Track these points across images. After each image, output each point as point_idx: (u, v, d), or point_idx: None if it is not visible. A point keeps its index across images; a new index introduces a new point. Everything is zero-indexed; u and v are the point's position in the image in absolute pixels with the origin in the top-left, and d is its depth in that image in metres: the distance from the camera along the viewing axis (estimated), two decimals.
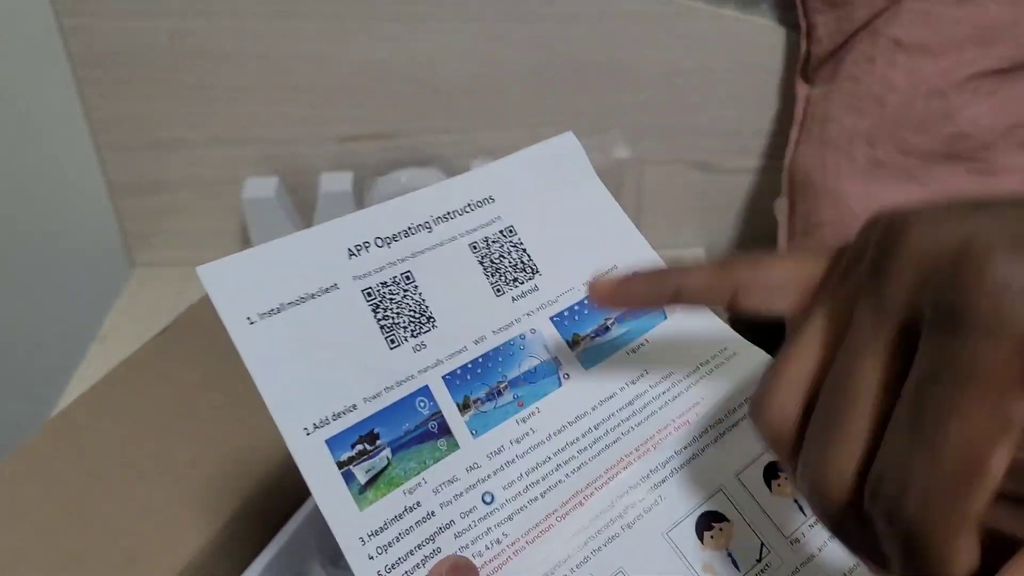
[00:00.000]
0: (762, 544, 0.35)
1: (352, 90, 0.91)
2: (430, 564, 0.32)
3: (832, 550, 0.35)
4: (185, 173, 0.94)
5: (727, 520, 0.35)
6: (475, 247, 0.38)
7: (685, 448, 0.36)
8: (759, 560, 0.34)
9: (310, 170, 0.94)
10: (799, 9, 0.85)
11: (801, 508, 0.35)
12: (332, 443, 0.32)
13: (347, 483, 0.32)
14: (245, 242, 0.98)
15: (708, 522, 0.35)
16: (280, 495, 0.61)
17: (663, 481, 0.35)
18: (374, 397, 0.34)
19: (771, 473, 0.36)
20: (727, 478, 0.36)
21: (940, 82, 0.76)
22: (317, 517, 0.61)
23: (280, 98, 0.90)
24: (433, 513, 0.33)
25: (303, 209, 0.96)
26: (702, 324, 0.40)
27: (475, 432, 0.35)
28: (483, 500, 0.34)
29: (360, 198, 0.93)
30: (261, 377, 0.33)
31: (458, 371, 0.35)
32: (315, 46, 0.88)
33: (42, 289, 1.03)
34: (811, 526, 0.35)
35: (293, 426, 0.32)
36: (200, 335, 0.65)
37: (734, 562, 0.34)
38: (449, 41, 0.88)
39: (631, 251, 0.41)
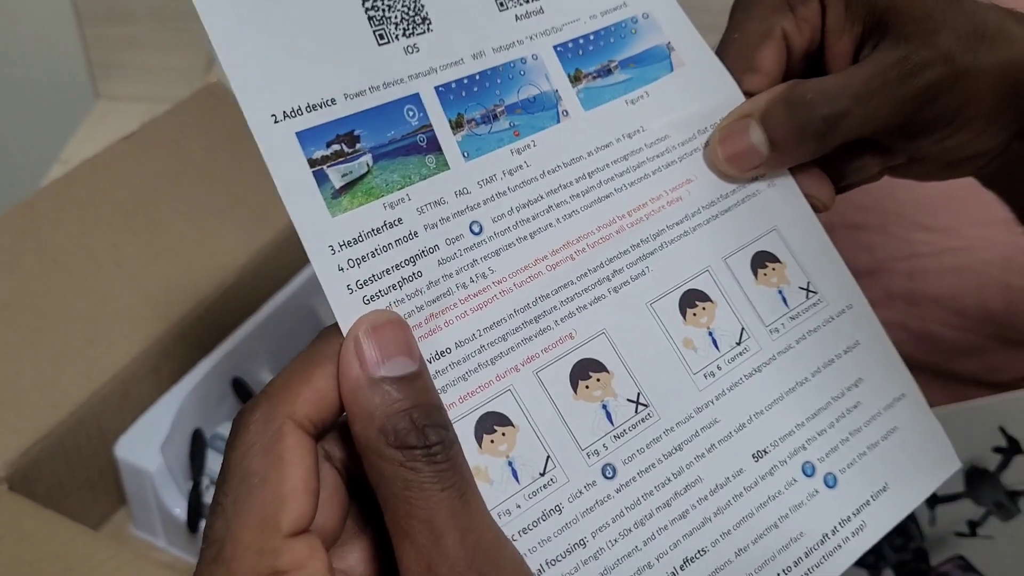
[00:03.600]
0: (742, 328, 0.35)
1: None
2: (408, 287, 0.29)
3: (810, 344, 0.35)
4: (153, 4, 0.94)
5: (711, 300, 0.35)
6: None
7: (676, 224, 0.35)
8: (739, 343, 0.34)
9: None
10: None
11: (784, 299, 0.36)
12: (304, 137, 0.29)
13: (318, 184, 0.29)
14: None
15: (692, 300, 0.34)
16: (234, 302, 0.63)
17: (651, 253, 0.35)
18: (356, 95, 0.30)
19: (758, 262, 0.36)
20: (714, 260, 0.35)
21: None
22: (267, 326, 0.63)
23: None
24: (416, 234, 0.31)
25: None
26: (710, 83, 0.37)
27: (467, 155, 0.32)
28: (471, 230, 0.32)
29: None
30: (225, 51, 0.28)
31: (452, 84, 0.33)
32: None
33: (5, 110, 1.03)
34: (792, 318, 0.36)
35: (259, 111, 0.29)
36: (165, 145, 0.67)
37: (714, 341, 0.34)
38: None
39: None
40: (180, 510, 0.56)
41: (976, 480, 0.51)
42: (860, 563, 0.41)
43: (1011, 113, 0.36)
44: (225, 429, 0.59)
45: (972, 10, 0.34)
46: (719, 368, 0.34)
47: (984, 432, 0.50)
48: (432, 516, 0.25)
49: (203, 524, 0.42)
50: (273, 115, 0.29)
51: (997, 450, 0.50)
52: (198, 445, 0.58)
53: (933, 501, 0.49)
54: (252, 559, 0.24)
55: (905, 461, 0.35)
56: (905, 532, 0.51)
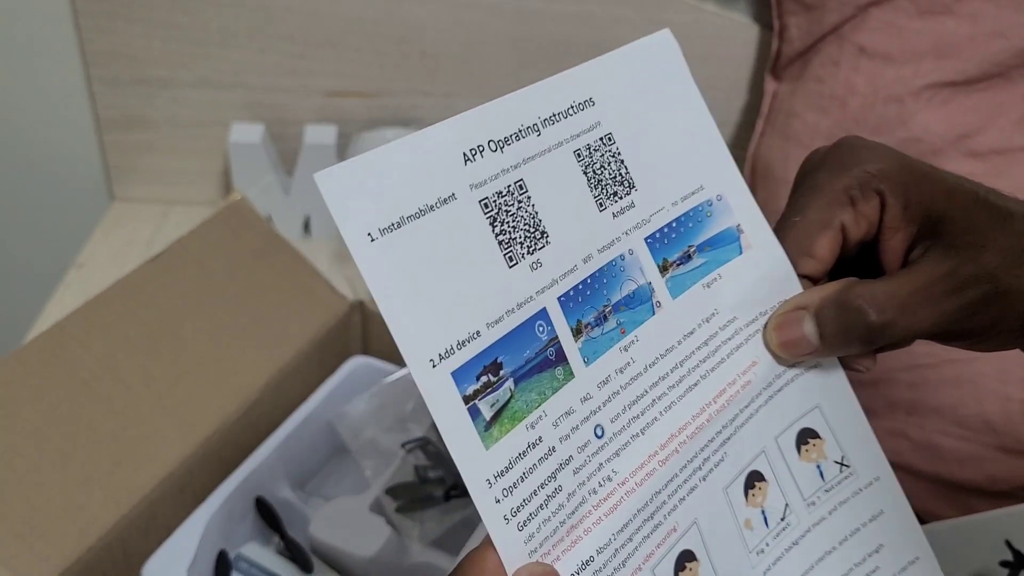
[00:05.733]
0: (786, 504, 0.37)
1: (341, 46, 0.94)
2: (553, 504, 0.31)
3: (841, 514, 0.38)
4: (171, 112, 0.97)
5: (764, 480, 0.37)
6: (579, 155, 0.35)
7: (746, 407, 0.37)
8: (783, 519, 0.36)
9: (294, 121, 0.97)
10: (774, 10, 0.90)
11: (821, 474, 0.38)
12: (457, 375, 0.30)
13: (473, 419, 0.30)
14: (224, 185, 1.01)
15: (752, 481, 0.36)
16: (256, 420, 0.65)
17: (728, 439, 0.36)
18: (497, 322, 0.32)
19: (802, 438, 0.38)
20: (769, 440, 0.37)
21: (898, 89, 0.81)
22: (288, 444, 0.65)
23: (270, 47, 0.93)
24: (554, 449, 0.32)
25: (285, 159, 0.99)
26: (772, 268, 0.39)
27: (587, 360, 0.34)
28: (595, 433, 0.33)
29: (343, 152, 0.96)
30: (385, 302, 0.30)
31: (571, 292, 0.34)
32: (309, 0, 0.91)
33: (24, 213, 1.05)
34: (827, 491, 0.38)
35: (419, 358, 0.30)
36: (190, 265, 0.68)
37: (765, 520, 0.36)
38: (439, 7, 0.92)
39: (718, 172, 0.39)
40: None
41: None
42: None
43: None
44: (248, 549, 0.60)
45: (1021, 229, 0.36)
46: (767, 545, 0.36)
47: (990, 546, 0.51)
48: None
49: None
50: (431, 360, 0.30)
51: (1004, 564, 0.51)
52: (223, 567, 0.58)
53: None
54: None
55: None
56: None
